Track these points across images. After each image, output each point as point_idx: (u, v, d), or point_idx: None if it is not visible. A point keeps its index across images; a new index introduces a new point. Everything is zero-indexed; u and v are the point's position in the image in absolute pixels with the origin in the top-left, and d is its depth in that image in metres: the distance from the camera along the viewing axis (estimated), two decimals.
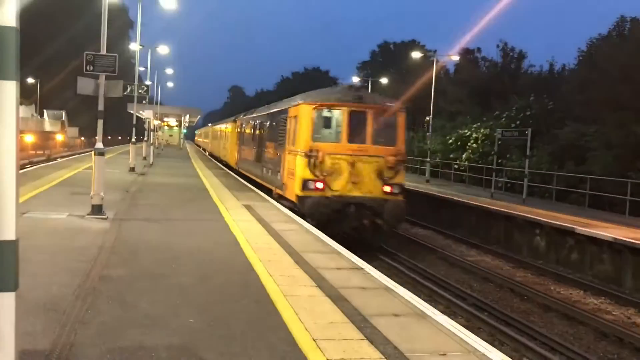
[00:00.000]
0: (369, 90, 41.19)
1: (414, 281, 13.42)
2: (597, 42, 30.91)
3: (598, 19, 35.60)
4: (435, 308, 6.97)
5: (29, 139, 45.37)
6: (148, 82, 38.06)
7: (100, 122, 12.07)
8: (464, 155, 33.28)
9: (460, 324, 6.31)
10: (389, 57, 70.98)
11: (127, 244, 9.14)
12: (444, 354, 5.14)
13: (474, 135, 33.28)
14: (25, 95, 55.08)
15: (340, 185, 14.56)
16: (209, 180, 22.39)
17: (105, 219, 11.38)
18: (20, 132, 3.13)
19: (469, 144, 33.41)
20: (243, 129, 27.14)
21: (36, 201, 13.24)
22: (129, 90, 24.79)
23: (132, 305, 5.98)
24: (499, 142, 24.98)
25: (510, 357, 5.40)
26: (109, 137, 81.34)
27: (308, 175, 14.50)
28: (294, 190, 14.96)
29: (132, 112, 33.72)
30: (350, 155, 14.56)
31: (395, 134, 15.10)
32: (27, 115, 50.74)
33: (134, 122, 29.15)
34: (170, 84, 67.35)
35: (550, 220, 16.87)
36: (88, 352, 4.70)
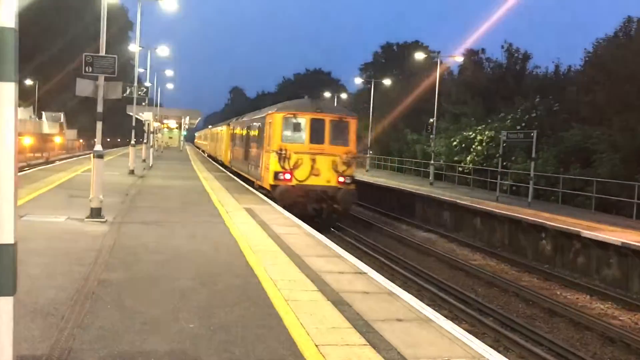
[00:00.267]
0: (372, 90, 44.16)
1: (418, 285, 13.41)
2: (604, 42, 30.88)
3: (612, 19, 35.40)
4: (439, 313, 6.96)
5: (27, 141, 45.40)
6: (148, 84, 38.22)
7: (99, 124, 12.09)
8: (468, 158, 33.28)
9: (464, 329, 6.31)
10: (392, 58, 70.94)
11: (126, 248, 9.14)
12: None
13: (479, 137, 33.28)
14: (24, 97, 55.15)
15: (303, 177, 18.60)
16: (209, 182, 22.42)
17: (104, 222, 11.39)
18: (18, 134, 3.14)
19: (473, 146, 33.41)
20: (234, 132, 31.83)
21: (34, 204, 13.26)
22: (128, 92, 24.88)
23: (131, 310, 5.98)
24: (504, 145, 24.97)
25: None
26: (108, 140, 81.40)
27: (278, 168, 18.62)
28: (268, 181, 19.23)
29: (131, 114, 33.82)
30: (312, 153, 18.64)
31: (348, 137, 19.08)
32: (25, 117, 50.76)
33: (133, 124, 29.20)
34: (170, 86, 67.46)
35: (555, 224, 16.85)
36: (87, 357, 4.70)
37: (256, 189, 20.72)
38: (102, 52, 12.11)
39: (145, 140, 37.61)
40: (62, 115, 61.16)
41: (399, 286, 8.11)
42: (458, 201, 22.24)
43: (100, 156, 12.16)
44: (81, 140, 71.13)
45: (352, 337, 5.52)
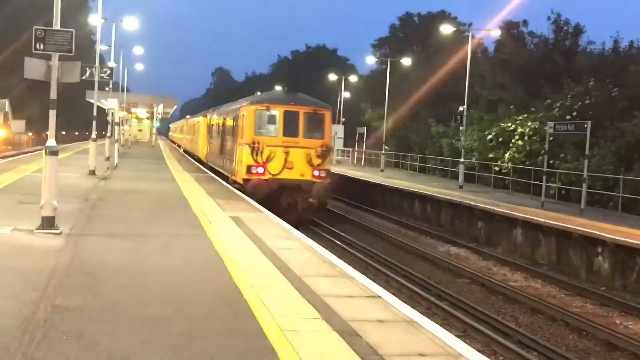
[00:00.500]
0: (388, 71, 44.76)
1: (444, 312, 13.43)
2: None
3: None
4: (471, 346, 6.96)
5: None
6: (112, 64, 38.31)
7: (52, 114, 12.10)
8: (506, 155, 33.25)
9: None
10: (412, 32, 71.16)
11: (86, 266, 9.16)
12: None
13: (519, 129, 33.25)
14: None
15: (276, 170, 21.66)
16: (187, 185, 22.49)
17: (59, 234, 11.41)
18: None
19: (513, 140, 33.37)
20: (211, 124, 34.93)
21: None
22: (88, 74, 24.93)
23: (92, 342, 5.99)
24: (551, 138, 24.95)
25: None
26: (64, 133, 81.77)
27: (251, 162, 21.66)
28: (241, 174, 22.28)
29: (91, 101, 33.87)
30: (285, 146, 21.70)
31: (323, 130, 22.40)
32: None
33: (95, 113, 29.28)
34: (140, 67, 67.39)
35: (616, 237, 16.83)
36: None
37: (231, 184, 23.65)
38: (57, 26, 12.12)
39: (109, 134, 37.73)
40: (6, 102, 61.23)
41: (421, 313, 8.11)
42: (495, 208, 22.24)
43: (53, 153, 12.17)
44: (30, 134, 71.35)
45: None
